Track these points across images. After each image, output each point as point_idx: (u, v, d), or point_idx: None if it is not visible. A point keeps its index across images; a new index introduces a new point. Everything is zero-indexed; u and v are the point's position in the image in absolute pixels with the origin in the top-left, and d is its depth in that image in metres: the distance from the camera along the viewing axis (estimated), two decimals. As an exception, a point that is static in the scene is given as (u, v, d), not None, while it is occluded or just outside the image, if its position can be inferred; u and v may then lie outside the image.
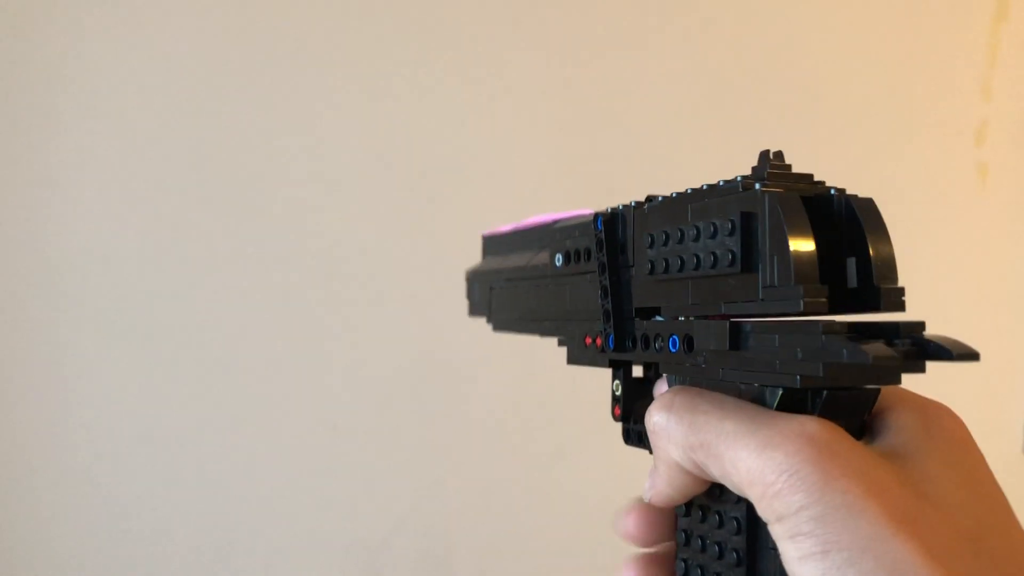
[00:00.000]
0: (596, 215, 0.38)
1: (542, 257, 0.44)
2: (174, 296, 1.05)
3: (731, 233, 0.29)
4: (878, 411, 0.30)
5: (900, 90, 1.18)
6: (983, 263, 1.21)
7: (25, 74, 1.02)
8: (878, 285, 0.28)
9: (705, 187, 0.32)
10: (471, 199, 1.10)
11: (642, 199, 0.37)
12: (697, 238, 0.31)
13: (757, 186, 0.29)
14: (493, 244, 0.54)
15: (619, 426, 0.41)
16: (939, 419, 0.30)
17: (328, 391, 1.08)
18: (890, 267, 0.29)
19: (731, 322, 0.30)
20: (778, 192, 0.29)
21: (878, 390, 0.29)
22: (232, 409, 1.07)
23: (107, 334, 1.05)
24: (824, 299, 0.27)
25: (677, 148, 1.13)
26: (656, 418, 0.31)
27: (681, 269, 0.32)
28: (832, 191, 0.30)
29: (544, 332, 0.45)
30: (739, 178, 0.31)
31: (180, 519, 1.06)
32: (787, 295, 0.27)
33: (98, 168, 1.04)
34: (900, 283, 0.29)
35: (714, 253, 0.30)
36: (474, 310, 0.55)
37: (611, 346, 0.37)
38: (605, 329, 0.38)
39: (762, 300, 0.28)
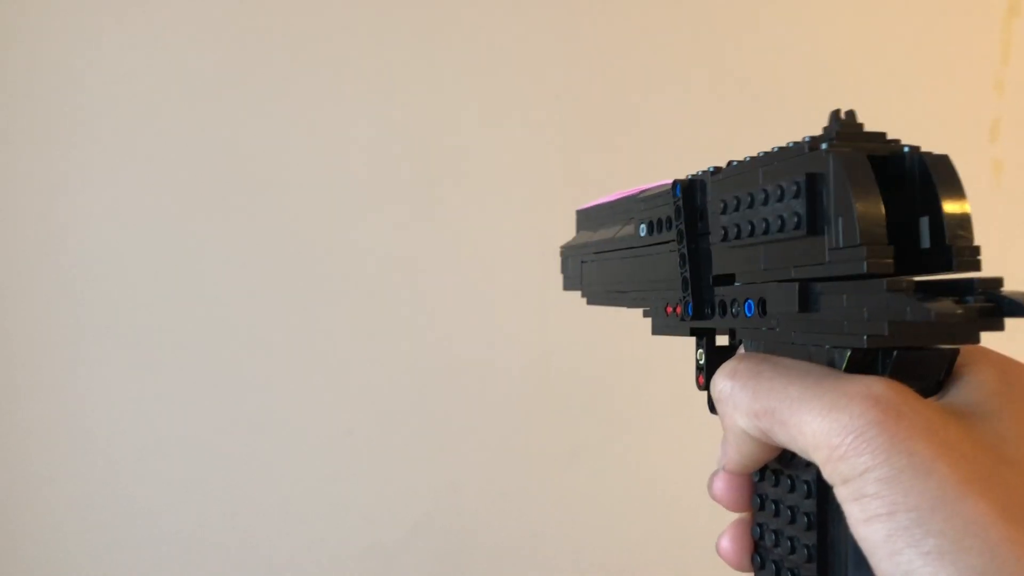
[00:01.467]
0: (675, 182, 0.38)
1: (628, 228, 0.44)
2: (187, 300, 1.06)
3: (797, 195, 0.29)
4: (957, 369, 0.29)
5: (913, 87, 1.18)
6: (1000, 261, 1.20)
7: (29, 78, 1.03)
8: (950, 244, 0.27)
9: (776, 149, 0.32)
10: (481, 199, 1.10)
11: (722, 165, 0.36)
12: (766, 202, 0.31)
13: (823, 146, 0.29)
14: (585, 218, 0.54)
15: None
16: (1021, 378, 0.29)
17: (344, 395, 1.09)
18: (963, 225, 0.28)
19: (800, 284, 0.30)
20: (844, 152, 0.28)
21: (956, 350, 0.29)
22: (248, 414, 1.07)
23: (121, 338, 1.05)
24: (890, 259, 0.26)
25: (685, 146, 1.13)
26: (721, 385, 0.31)
27: (752, 234, 0.32)
28: (906, 149, 0.30)
29: (631, 303, 0.45)
30: (807, 139, 0.30)
31: (197, 523, 1.07)
32: (852, 256, 0.27)
33: (105, 171, 1.05)
34: (976, 242, 0.28)
35: (782, 216, 0.30)
36: (568, 284, 0.55)
37: (690, 313, 0.37)
38: (684, 297, 0.38)
39: (829, 262, 0.28)
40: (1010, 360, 0.30)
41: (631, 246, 0.44)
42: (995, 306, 0.26)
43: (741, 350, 0.36)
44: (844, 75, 1.16)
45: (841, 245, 0.27)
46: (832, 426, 0.26)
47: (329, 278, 1.08)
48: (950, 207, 0.28)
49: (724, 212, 0.34)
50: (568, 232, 0.58)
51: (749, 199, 0.32)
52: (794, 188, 0.29)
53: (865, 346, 0.27)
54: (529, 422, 1.12)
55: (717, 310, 0.36)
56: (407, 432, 1.10)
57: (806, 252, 0.29)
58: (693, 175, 0.38)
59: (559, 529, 1.12)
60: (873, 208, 0.27)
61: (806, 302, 0.30)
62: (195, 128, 1.06)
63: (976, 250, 0.27)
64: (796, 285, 0.30)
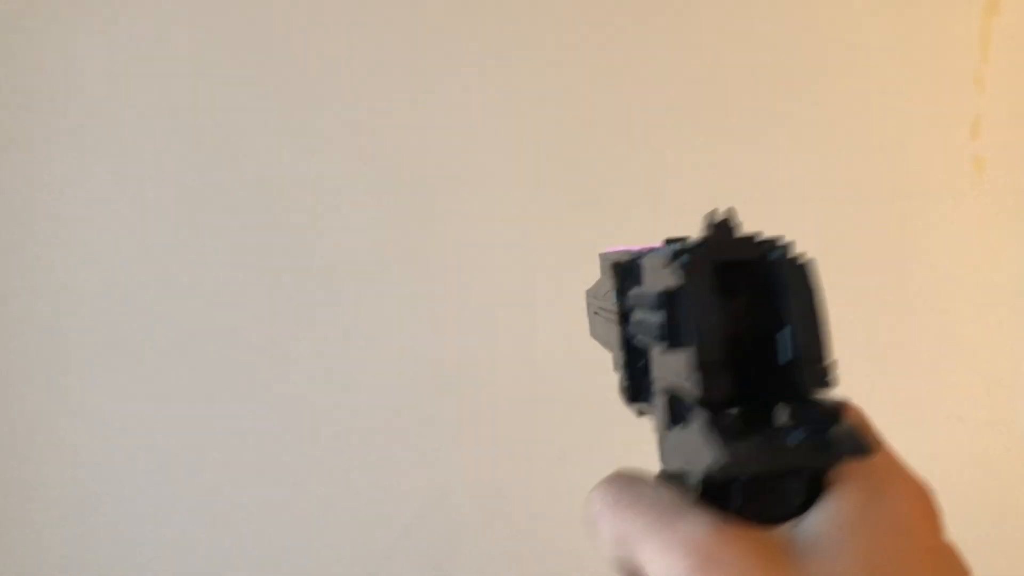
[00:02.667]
0: (613, 262, 0.36)
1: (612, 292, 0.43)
2: (178, 300, 1.05)
3: (657, 308, 0.28)
4: (830, 484, 0.27)
5: (893, 84, 1.18)
6: (981, 257, 1.21)
7: (24, 77, 1.03)
8: (801, 362, 0.26)
9: (665, 249, 0.30)
10: (474, 201, 1.10)
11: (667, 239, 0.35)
12: (649, 306, 0.30)
13: (681, 260, 0.27)
14: (602, 264, 0.54)
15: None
16: (889, 499, 0.26)
17: (334, 396, 1.08)
18: (814, 342, 0.26)
19: (671, 398, 0.28)
20: (693, 266, 0.27)
21: (816, 471, 0.26)
22: (236, 415, 1.07)
23: (110, 338, 1.05)
24: (720, 387, 0.25)
25: (675, 143, 1.13)
26: (588, 504, 0.30)
27: (645, 334, 0.31)
28: (771, 254, 0.28)
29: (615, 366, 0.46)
30: (674, 246, 0.29)
31: (186, 524, 1.06)
32: (697, 380, 0.26)
33: (98, 173, 1.04)
34: (831, 358, 0.26)
35: (656, 325, 0.28)
36: (591, 330, 0.55)
37: (626, 397, 0.36)
38: (623, 380, 0.37)
39: (688, 379, 0.26)
40: (891, 475, 0.27)
41: (610, 310, 0.43)
42: (817, 446, 0.24)
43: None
44: (824, 73, 1.17)
45: (689, 366, 0.26)
46: (660, 570, 0.25)
47: (319, 280, 1.08)
48: (801, 322, 0.26)
49: (634, 306, 0.33)
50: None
51: (643, 299, 0.31)
52: (654, 300, 0.28)
53: (702, 477, 0.26)
54: (520, 422, 1.12)
55: (646, 397, 0.35)
56: (398, 433, 1.09)
57: (676, 364, 0.28)
58: (635, 253, 0.35)
59: (551, 529, 1.12)
60: (710, 332, 0.26)
61: (672, 418, 0.28)
62: (190, 128, 1.05)
63: (825, 371, 0.26)
64: (666, 398, 0.29)
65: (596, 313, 0.49)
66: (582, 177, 1.12)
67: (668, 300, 0.27)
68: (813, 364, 0.26)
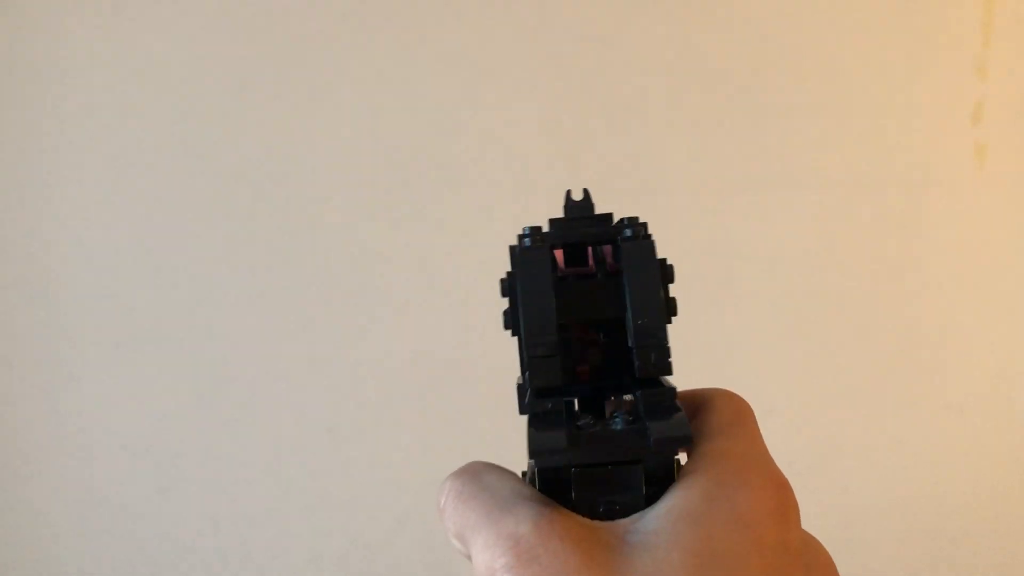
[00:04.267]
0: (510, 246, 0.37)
1: None
2: (167, 298, 1.05)
3: (502, 294, 0.27)
4: (683, 475, 0.25)
5: (893, 71, 1.17)
6: (982, 245, 1.19)
7: (21, 75, 1.02)
8: (635, 347, 0.25)
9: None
10: (469, 198, 1.09)
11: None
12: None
13: (525, 242, 0.27)
14: None
15: None
16: (733, 493, 0.24)
17: (324, 391, 1.08)
18: (648, 328, 0.25)
19: (518, 386, 0.28)
20: (530, 249, 0.26)
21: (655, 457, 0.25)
22: (229, 411, 1.06)
23: (102, 337, 1.04)
24: (548, 373, 0.25)
25: (672, 132, 1.12)
26: (437, 497, 0.30)
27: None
28: (624, 235, 0.27)
29: None
30: (526, 229, 0.28)
31: (176, 521, 1.06)
32: (527, 368, 0.25)
33: (95, 170, 1.03)
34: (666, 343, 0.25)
35: (507, 313, 0.28)
36: None
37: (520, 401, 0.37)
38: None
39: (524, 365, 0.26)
40: (741, 467, 0.25)
41: None
42: (637, 435, 0.23)
43: None
44: (823, 60, 1.16)
45: (523, 355, 0.26)
46: (482, 566, 0.24)
47: (311, 276, 1.07)
48: (638, 306, 0.25)
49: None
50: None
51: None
52: (501, 285, 0.28)
53: (537, 466, 0.25)
54: (511, 417, 1.11)
55: None
56: (388, 428, 1.09)
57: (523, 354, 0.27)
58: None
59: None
60: (541, 317, 0.25)
61: (521, 405, 0.28)
62: (185, 127, 1.04)
63: (662, 354, 0.25)
64: (519, 385, 0.28)
65: None
66: (580, 174, 1.11)
67: (508, 284, 0.27)
68: (647, 349, 0.25)
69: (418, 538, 1.10)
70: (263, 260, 1.06)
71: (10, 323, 1.03)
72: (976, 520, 1.19)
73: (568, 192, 0.28)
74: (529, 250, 0.26)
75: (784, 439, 1.08)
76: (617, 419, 0.24)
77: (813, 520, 0.30)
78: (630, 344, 0.25)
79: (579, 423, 0.25)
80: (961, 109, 1.18)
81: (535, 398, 0.25)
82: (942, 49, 1.18)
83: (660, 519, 0.24)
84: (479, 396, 1.10)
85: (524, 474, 0.30)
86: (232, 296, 1.06)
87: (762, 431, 0.28)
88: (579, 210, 0.28)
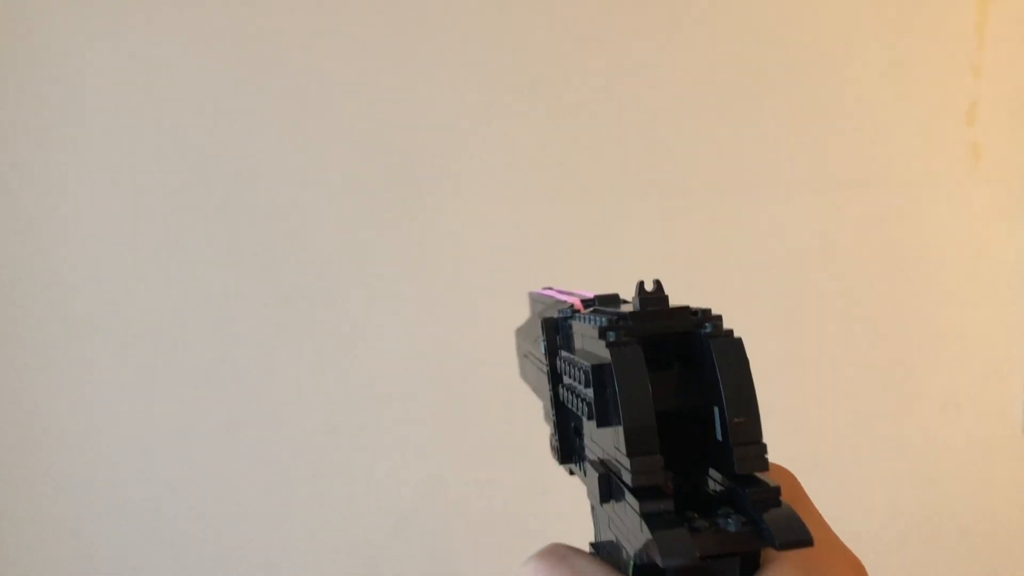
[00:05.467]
0: (542, 320, 0.35)
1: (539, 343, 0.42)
2: (169, 298, 1.05)
3: (587, 384, 0.27)
4: (764, 565, 0.26)
5: (889, 71, 1.17)
6: (978, 244, 1.20)
7: (24, 77, 1.02)
8: (731, 443, 0.25)
9: (598, 319, 0.29)
10: (468, 199, 1.09)
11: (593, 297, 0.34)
12: (580, 378, 0.29)
13: (610, 335, 0.26)
14: (533, 304, 0.50)
15: None
16: (825, 574, 0.26)
17: (327, 391, 1.08)
18: (746, 424, 0.25)
19: (601, 475, 0.28)
20: (622, 347, 0.26)
21: (751, 552, 0.26)
22: (231, 411, 1.06)
23: (102, 336, 1.04)
24: (653, 474, 0.25)
25: (670, 132, 1.12)
26: (528, 569, 0.30)
27: (575, 405, 0.30)
28: (702, 329, 0.27)
29: (545, 416, 0.44)
30: (601, 319, 0.28)
31: (180, 521, 1.06)
32: (625, 465, 0.25)
33: (98, 174, 1.03)
34: (761, 439, 0.25)
35: (587, 400, 0.28)
36: (521, 372, 0.52)
37: (559, 458, 0.36)
38: (555, 438, 0.36)
39: (619, 460, 0.26)
40: (826, 549, 0.27)
41: (539, 358, 0.41)
42: (753, 535, 0.24)
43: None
44: (820, 60, 1.16)
45: (623, 448, 0.25)
46: None
47: (312, 275, 1.07)
48: (733, 402, 0.25)
49: (564, 371, 0.32)
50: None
51: (573, 367, 0.30)
52: (582, 376, 0.27)
53: (639, 563, 0.26)
54: (513, 415, 1.11)
55: (579, 460, 0.34)
56: (391, 427, 1.09)
57: (609, 441, 0.27)
58: (564, 312, 0.34)
59: (544, 522, 1.12)
60: (641, 417, 0.25)
61: (607, 495, 0.28)
62: (182, 127, 1.04)
63: (758, 450, 0.25)
64: (597, 475, 0.28)
65: (525, 356, 0.47)
66: (578, 174, 1.11)
67: (597, 377, 0.27)
68: (746, 446, 0.25)
69: (419, 538, 1.10)
70: (265, 263, 1.06)
71: (14, 324, 1.03)
72: (972, 515, 1.20)
73: (640, 284, 0.28)
74: (621, 346, 0.26)
75: (781, 439, 1.09)
76: (729, 520, 0.24)
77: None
78: (721, 438, 0.25)
79: (693, 524, 0.24)
80: (956, 109, 1.19)
81: (646, 499, 0.25)
82: (937, 50, 1.18)
83: None
84: (479, 398, 1.10)
85: (593, 548, 0.31)
86: (235, 297, 1.06)
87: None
88: (654, 303, 0.27)
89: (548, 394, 0.37)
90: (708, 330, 0.26)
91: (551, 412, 0.36)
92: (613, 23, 1.12)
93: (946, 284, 1.19)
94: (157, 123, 1.04)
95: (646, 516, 0.24)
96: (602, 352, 0.26)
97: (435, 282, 1.09)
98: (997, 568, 1.20)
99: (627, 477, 0.25)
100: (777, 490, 0.24)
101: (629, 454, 0.25)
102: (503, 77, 1.10)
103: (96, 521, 1.05)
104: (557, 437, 0.35)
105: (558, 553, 0.30)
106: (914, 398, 1.19)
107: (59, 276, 1.04)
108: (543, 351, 0.36)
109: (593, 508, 0.33)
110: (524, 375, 0.48)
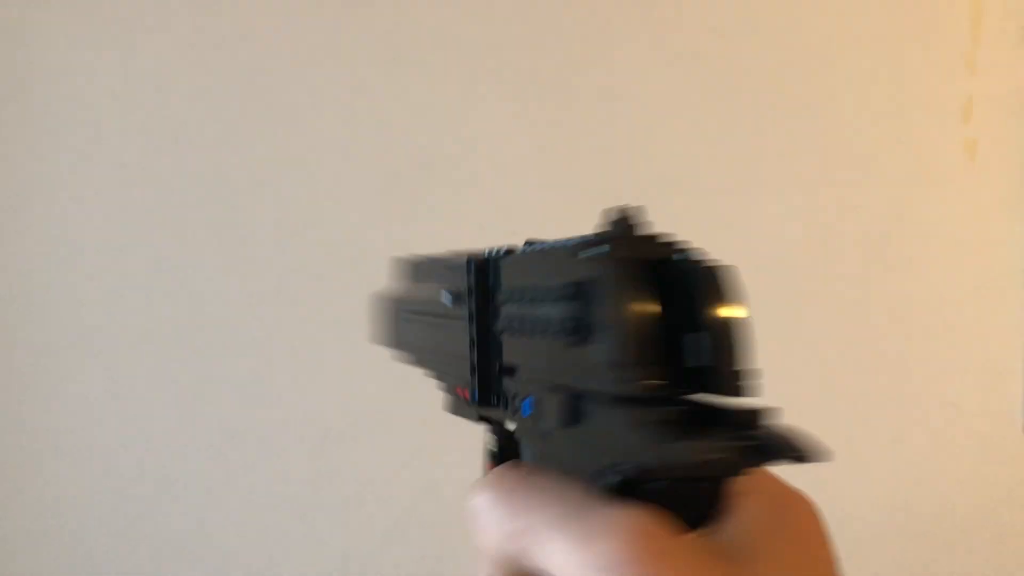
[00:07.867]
0: (468, 258, 0.34)
1: (437, 294, 0.40)
2: (162, 302, 1.04)
3: (570, 299, 0.27)
4: (729, 497, 0.27)
5: (884, 68, 1.17)
6: (974, 241, 1.20)
7: (22, 77, 1.01)
8: (719, 368, 0.25)
9: (564, 242, 0.29)
10: (465, 198, 1.09)
11: (521, 243, 0.33)
12: (544, 299, 0.28)
13: (602, 249, 0.26)
14: (408, 269, 0.49)
15: None
16: (791, 513, 0.27)
17: (320, 397, 1.07)
18: (730, 349, 0.25)
19: (569, 395, 0.27)
20: (622, 258, 0.26)
21: (726, 479, 0.26)
22: (226, 414, 1.06)
23: (98, 337, 1.04)
24: (657, 383, 0.24)
25: (666, 129, 1.12)
26: (476, 500, 0.28)
27: (531, 331, 0.29)
28: (685, 255, 0.27)
29: (433, 374, 0.42)
30: (587, 238, 0.27)
31: (170, 528, 1.05)
32: (623, 375, 0.24)
33: (94, 174, 1.03)
34: (752, 365, 0.25)
35: (555, 319, 0.27)
36: (378, 338, 0.51)
37: (475, 400, 0.35)
38: (471, 382, 0.35)
39: (600, 377, 0.25)
40: (786, 490, 0.28)
41: (437, 313, 0.40)
42: (759, 446, 0.24)
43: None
44: (815, 57, 1.16)
45: (611, 360, 0.25)
46: (588, 557, 0.23)
47: (305, 280, 1.06)
48: (717, 329, 0.25)
49: (508, 301, 0.32)
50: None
51: (531, 293, 0.30)
52: (568, 291, 0.27)
53: (631, 475, 0.25)
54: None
55: (502, 401, 0.33)
56: (384, 433, 1.08)
57: (579, 362, 0.27)
58: (489, 251, 0.34)
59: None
60: (647, 324, 0.25)
61: (572, 416, 0.27)
62: (181, 130, 1.04)
63: (747, 375, 0.25)
64: (565, 396, 0.27)
65: (407, 320, 0.46)
66: (576, 175, 1.11)
67: (578, 292, 0.26)
68: (732, 371, 0.25)
69: (414, 543, 1.09)
70: (261, 265, 1.06)
71: (11, 324, 1.02)
72: (971, 515, 1.19)
73: (622, 208, 0.28)
74: (624, 263, 0.25)
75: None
76: (732, 433, 0.24)
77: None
78: (710, 363, 0.25)
79: (699, 433, 0.24)
80: (951, 105, 1.19)
81: (637, 405, 0.24)
82: (932, 47, 1.18)
83: (742, 534, 0.25)
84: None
85: None
86: (231, 299, 1.05)
87: None
88: (626, 226, 0.27)
89: (452, 345, 0.37)
90: (684, 257, 0.26)
91: (470, 356, 0.35)
92: (612, 23, 1.11)
93: (944, 282, 1.19)
94: (155, 126, 1.04)
95: (652, 423, 0.23)
96: (584, 269, 0.26)
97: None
98: (997, 568, 1.19)
99: (619, 388, 0.24)
100: (763, 412, 0.24)
101: (631, 361, 0.24)
102: (503, 77, 1.09)
103: (93, 526, 1.04)
104: (476, 380, 0.35)
105: (517, 472, 0.28)
106: (911, 397, 1.18)
107: (58, 278, 1.03)
108: (451, 298, 0.36)
109: (535, 442, 0.32)
110: (399, 337, 0.47)
